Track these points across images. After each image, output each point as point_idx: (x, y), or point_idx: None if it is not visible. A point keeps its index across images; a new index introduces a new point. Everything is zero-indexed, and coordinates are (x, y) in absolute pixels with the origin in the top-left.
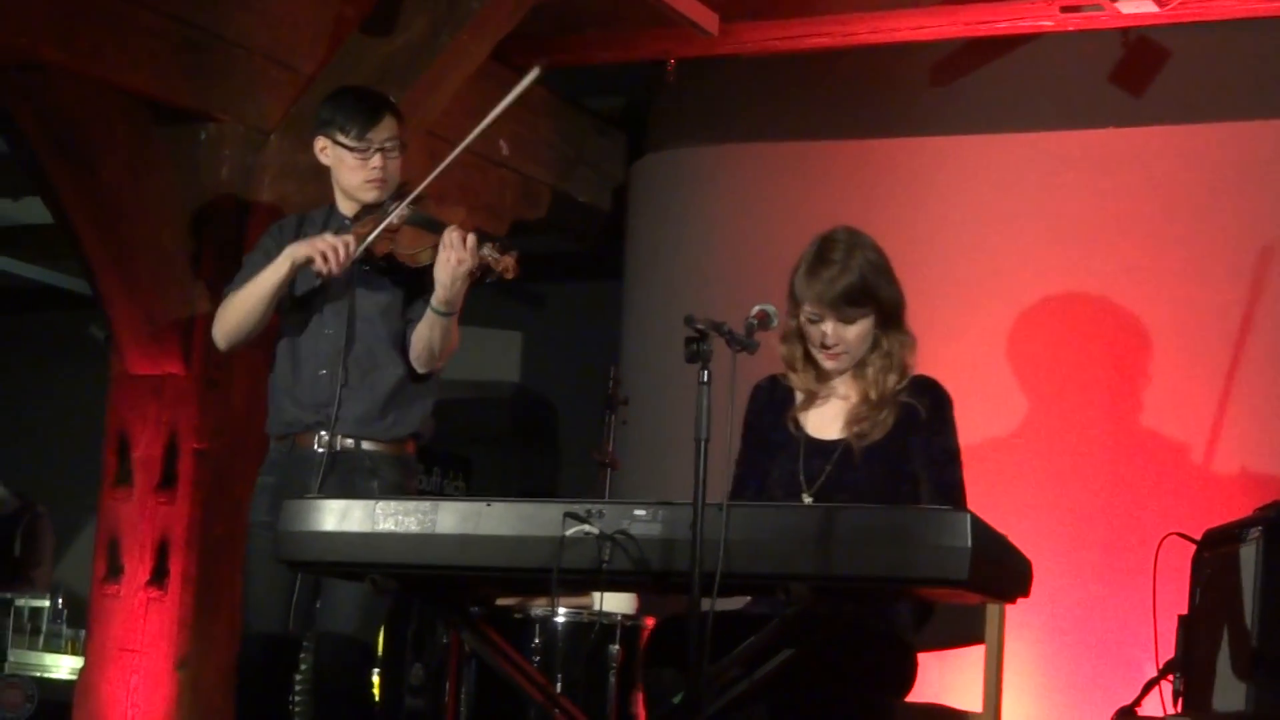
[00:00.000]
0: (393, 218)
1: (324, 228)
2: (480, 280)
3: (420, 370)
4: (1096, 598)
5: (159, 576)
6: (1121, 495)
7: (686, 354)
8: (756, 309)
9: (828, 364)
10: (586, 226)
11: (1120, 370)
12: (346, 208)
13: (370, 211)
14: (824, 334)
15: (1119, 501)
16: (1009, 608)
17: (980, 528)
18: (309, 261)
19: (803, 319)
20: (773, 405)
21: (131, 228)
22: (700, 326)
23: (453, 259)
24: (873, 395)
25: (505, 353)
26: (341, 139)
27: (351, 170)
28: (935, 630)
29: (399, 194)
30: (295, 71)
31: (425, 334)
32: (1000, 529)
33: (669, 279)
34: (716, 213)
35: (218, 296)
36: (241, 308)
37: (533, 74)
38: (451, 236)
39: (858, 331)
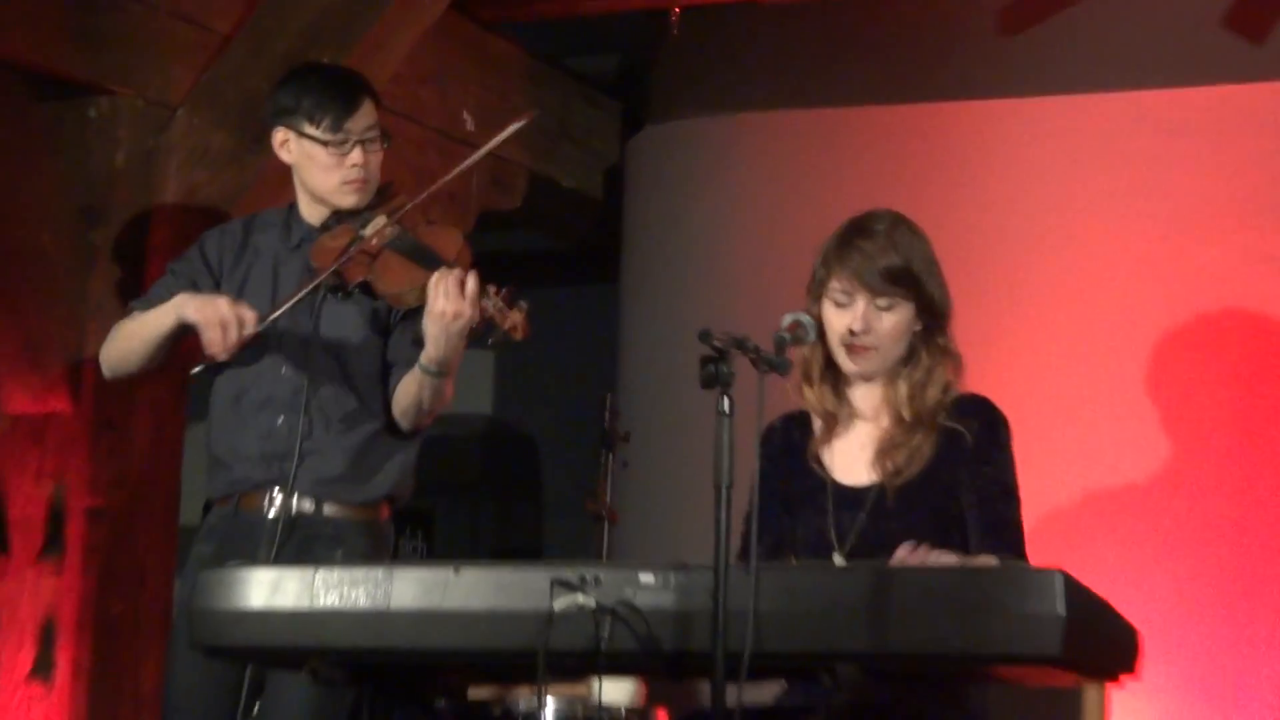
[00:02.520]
0: (369, 242)
1: (282, 239)
2: (481, 337)
3: (405, 428)
4: (1222, 675)
5: (43, 667)
6: (1253, 548)
7: (702, 378)
8: (789, 319)
9: (851, 364)
10: (572, 218)
11: (1250, 389)
12: (312, 213)
13: (345, 220)
14: (852, 318)
15: (1249, 556)
16: (1111, 689)
17: (1074, 589)
18: (196, 328)
19: (827, 305)
20: (790, 450)
21: (3, 229)
22: (719, 343)
23: (447, 311)
24: (905, 415)
25: (474, 378)
26: (310, 131)
27: (325, 170)
28: None
29: (382, 198)
30: (207, 30)
31: (413, 391)
32: (1097, 589)
33: (677, 283)
34: (735, 198)
35: (114, 314)
36: (126, 344)
37: (522, 121)
38: (446, 283)
39: (893, 323)
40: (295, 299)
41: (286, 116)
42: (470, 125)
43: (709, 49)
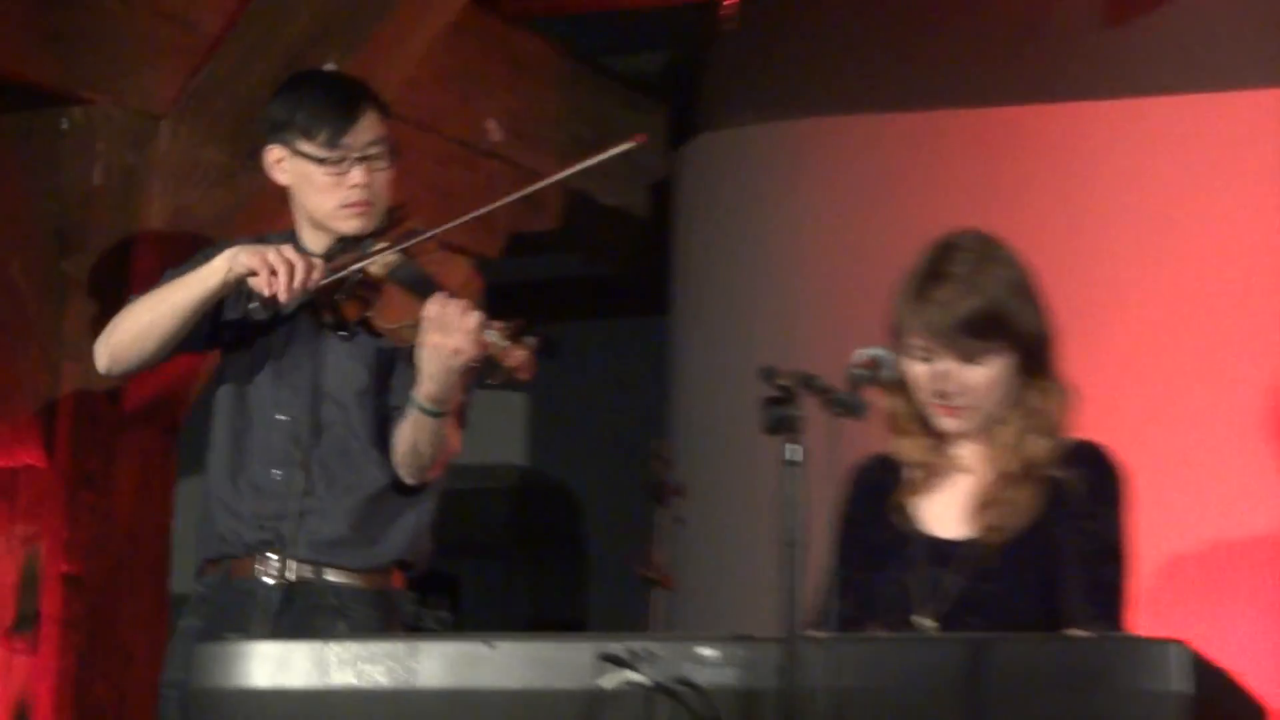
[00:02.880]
0: (372, 262)
1: None
2: (481, 377)
3: (408, 480)
4: None
5: None
6: None
7: (765, 422)
8: (864, 354)
9: (946, 423)
10: (615, 240)
11: None
12: (314, 240)
13: (349, 248)
14: (938, 379)
15: None
16: None
17: (1196, 662)
18: (250, 275)
19: (908, 357)
20: (878, 494)
21: None
22: (784, 383)
23: (444, 345)
24: (1009, 467)
25: (505, 423)
26: (305, 147)
27: (322, 191)
28: None
29: (391, 221)
30: (195, 31)
31: (410, 436)
32: (1221, 661)
33: (736, 312)
34: (801, 215)
35: (91, 353)
36: (142, 319)
37: (626, 145)
38: (442, 313)
39: (986, 377)
40: (356, 265)
41: (280, 132)
42: (497, 135)
43: (770, 44)
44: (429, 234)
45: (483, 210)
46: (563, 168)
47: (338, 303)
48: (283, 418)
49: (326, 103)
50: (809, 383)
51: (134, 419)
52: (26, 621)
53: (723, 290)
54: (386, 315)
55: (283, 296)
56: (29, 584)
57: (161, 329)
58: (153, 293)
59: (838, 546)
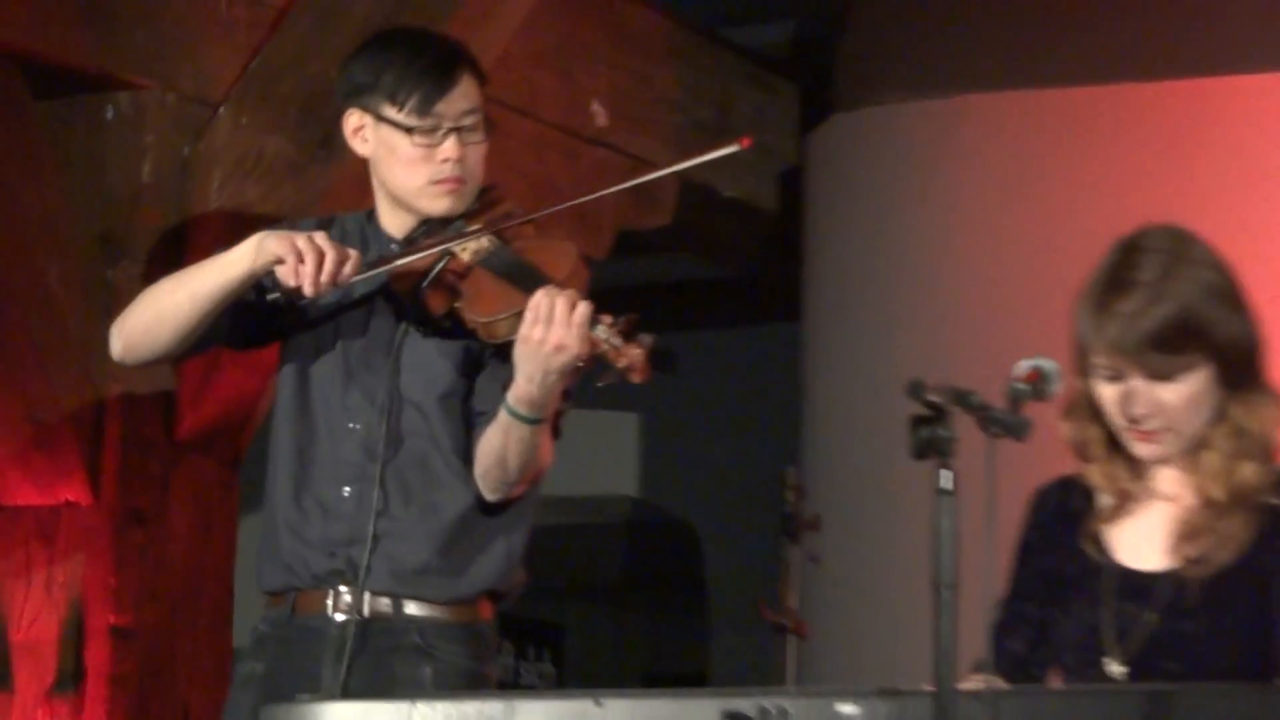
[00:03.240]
0: (462, 246)
1: (362, 248)
2: (590, 377)
3: (489, 496)
4: None
5: None
6: None
7: (913, 445)
8: (1026, 365)
9: (1141, 450)
10: (738, 237)
11: None
12: (394, 223)
13: (436, 232)
14: (1127, 400)
15: None
16: None
17: None
18: (278, 264)
19: (1094, 378)
20: (1065, 520)
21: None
22: (934, 399)
23: (547, 340)
24: (1216, 494)
25: (614, 448)
26: (391, 114)
27: (408, 165)
28: None
29: (483, 206)
30: (258, 4)
31: (498, 444)
32: None
33: (878, 318)
34: (952, 206)
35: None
36: (159, 303)
37: (730, 148)
38: (546, 304)
39: (1183, 395)
40: (402, 261)
41: (362, 96)
42: (602, 120)
43: (913, 11)
44: (528, 217)
45: (586, 198)
46: (679, 156)
47: (421, 293)
48: (355, 426)
49: (418, 64)
50: (963, 399)
51: (190, 449)
52: (70, 680)
53: (862, 293)
54: (476, 305)
55: (308, 289)
56: (72, 637)
57: (178, 318)
58: (175, 275)
59: (1014, 578)
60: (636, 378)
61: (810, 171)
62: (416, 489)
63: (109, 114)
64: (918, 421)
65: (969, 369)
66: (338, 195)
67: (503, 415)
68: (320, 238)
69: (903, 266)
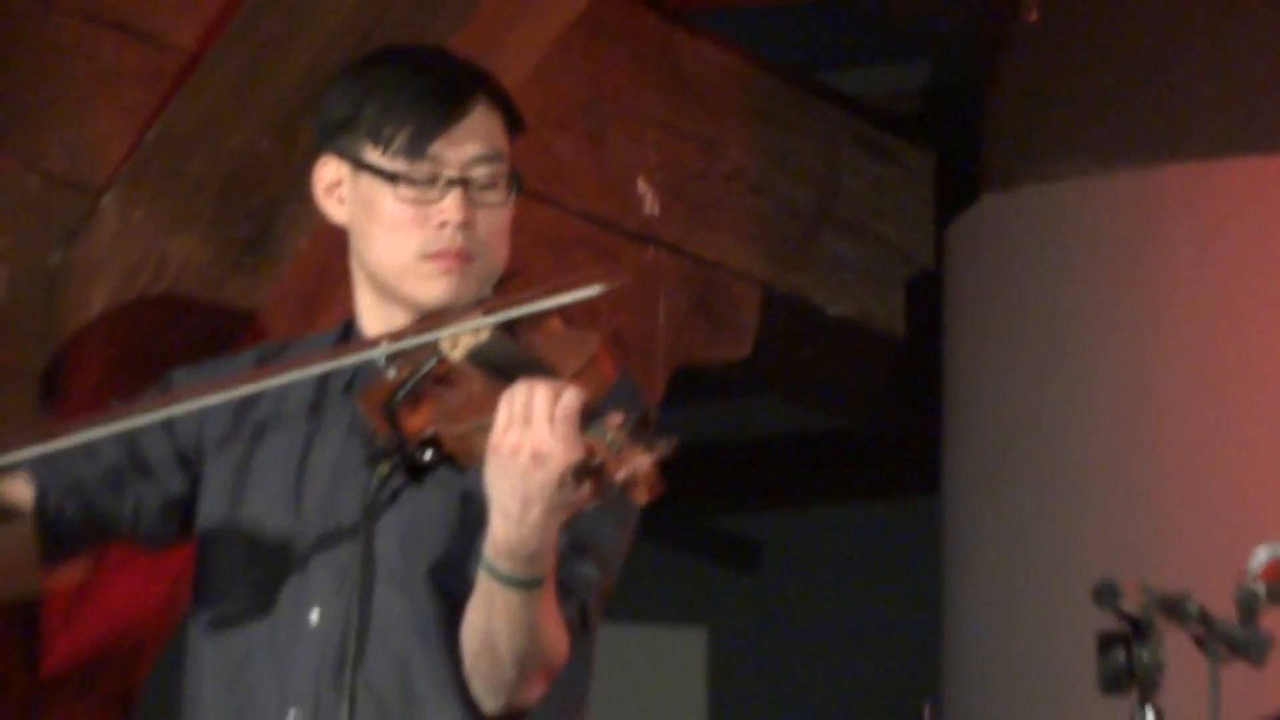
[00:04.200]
0: (447, 357)
1: (323, 381)
2: (596, 493)
3: (486, 704)
4: None
5: None
6: None
7: (1103, 673)
8: (1265, 555)
9: None
10: (849, 374)
11: None
12: (380, 321)
13: (435, 327)
14: None
15: None
16: None
17: None
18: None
19: None
20: None
21: None
22: (1132, 608)
23: (523, 449)
24: None
25: (677, 670)
26: (373, 157)
27: (391, 230)
28: None
29: (498, 293)
30: (158, 46)
31: (481, 622)
32: None
33: (1048, 487)
34: (1160, 319)
35: None
36: None
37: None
38: (522, 398)
39: None
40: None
41: (338, 136)
42: (651, 206)
43: (1098, 51)
44: (527, 305)
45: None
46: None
47: (395, 410)
48: (314, 617)
49: (414, 86)
50: (1174, 607)
51: (61, 687)
52: None
53: (1027, 451)
54: (454, 417)
55: None
56: None
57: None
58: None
59: None
60: (642, 495)
61: (952, 277)
62: (395, 708)
63: None
64: (1109, 640)
65: (1180, 561)
66: (274, 318)
67: (483, 579)
68: None
69: (1084, 410)
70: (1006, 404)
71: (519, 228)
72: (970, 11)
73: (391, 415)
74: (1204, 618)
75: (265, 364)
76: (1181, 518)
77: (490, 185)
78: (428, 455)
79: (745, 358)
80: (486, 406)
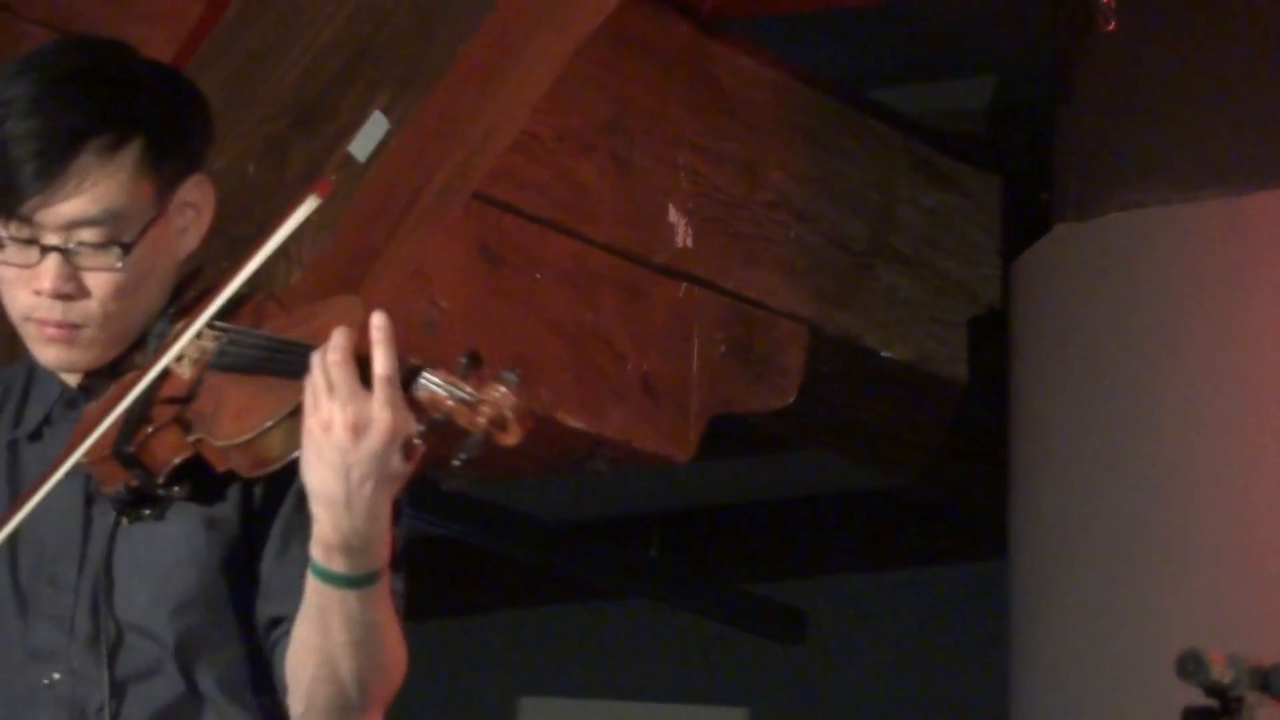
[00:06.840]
0: (178, 377)
1: (11, 422)
2: (452, 461)
3: None
4: None
5: None
6: None
7: None
8: None
9: None
10: (905, 427)
11: None
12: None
13: (118, 374)
14: None
15: None
16: None
17: None
18: None
19: None
20: None
21: None
22: (1222, 680)
23: (337, 422)
24: None
25: None
26: None
27: (5, 285)
28: None
29: (179, 310)
30: None
31: (316, 646)
32: None
33: (1131, 552)
34: (1259, 362)
35: None
36: None
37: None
38: (319, 369)
39: None
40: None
41: None
42: (684, 237)
43: (1180, 66)
44: (224, 293)
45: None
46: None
47: (128, 451)
48: (51, 680)
49: (21, 127)
50: (1265, 679)
51: None
52: None
53: (1105, 512)
54: (221, 427)
55: None
56: None
57: None
58: None
59: None
60: (509, 438)
61: (1020, 316)
62: None
63: None
64: (1195, 716)
65: (1272, 631)
66: None
67: (312, 590)
68: None
69: (1169, 466)
70: (1081, 458)
71: (541, 260)
72: (1040, 21)
73: (127, 458)
74: None
75: None
76: (1275, 585)
77: (103, 245)
78: (176, 490)
79: (789, 407)
80: (259, 407)
